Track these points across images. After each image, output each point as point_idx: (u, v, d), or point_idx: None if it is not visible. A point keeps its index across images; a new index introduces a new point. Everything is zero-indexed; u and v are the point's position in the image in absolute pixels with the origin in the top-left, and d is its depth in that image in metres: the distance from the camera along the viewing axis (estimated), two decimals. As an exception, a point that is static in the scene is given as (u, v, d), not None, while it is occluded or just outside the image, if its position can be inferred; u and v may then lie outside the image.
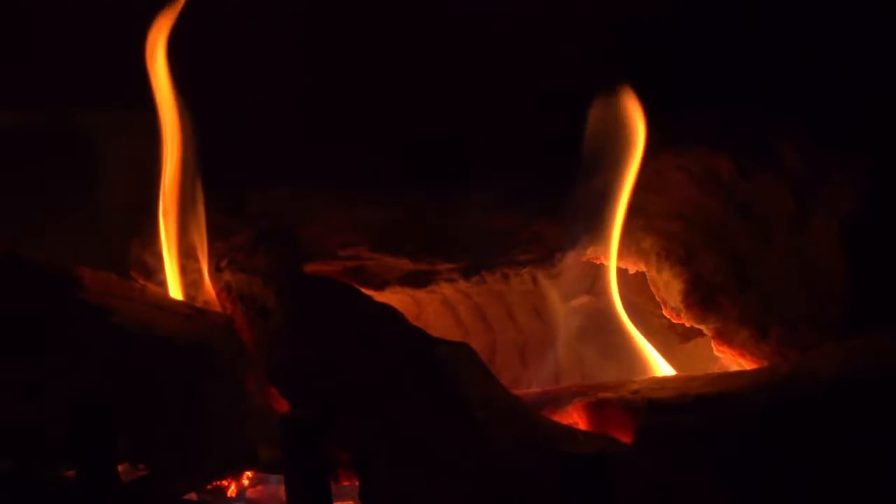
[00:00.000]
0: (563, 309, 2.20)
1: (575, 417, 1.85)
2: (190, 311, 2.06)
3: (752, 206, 2.08)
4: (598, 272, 2.20)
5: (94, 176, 2.64)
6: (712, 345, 2.11)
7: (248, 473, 2.09)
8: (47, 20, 2.50)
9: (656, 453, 1.69)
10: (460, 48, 2.21)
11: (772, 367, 1.88)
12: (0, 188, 2.52)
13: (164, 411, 1.88)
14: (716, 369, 2.12)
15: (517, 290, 2.25)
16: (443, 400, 1.73)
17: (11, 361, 1.94)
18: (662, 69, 2.08)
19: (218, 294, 2.14)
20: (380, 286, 2.20)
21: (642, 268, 2.18)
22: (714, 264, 2.10)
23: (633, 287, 2.23)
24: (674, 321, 2.16)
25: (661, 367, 2.08)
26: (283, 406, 1.95)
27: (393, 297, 2.17)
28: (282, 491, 1.76)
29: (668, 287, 2.13)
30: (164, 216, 2.18)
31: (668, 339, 2.23)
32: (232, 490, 2.09)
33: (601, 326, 2.17)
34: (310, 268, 2.17)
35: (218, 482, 2.05)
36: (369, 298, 1.93)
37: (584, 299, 2.24)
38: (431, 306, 2.27)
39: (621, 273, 2.18)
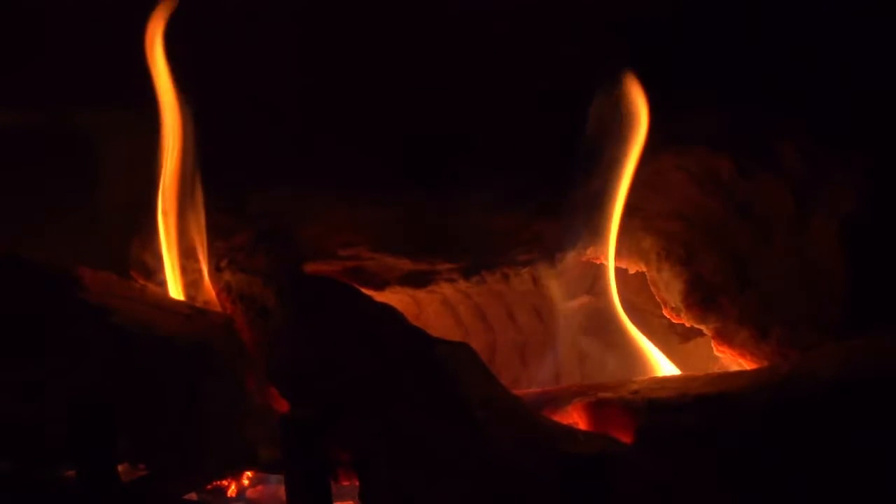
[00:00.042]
0: (564, 309, 2.20)
1: (575, 417, 1.85)
2: (190, 311, 2.06)
3: (752, 206, 2.08)
4: (598, 272, 2.20)
5: (94, 176, 2.64)
6: (712, 345, 2.11)
7: (248, 473, 2.09)
8: (47, 20, 2.50)
9: (656, 453, 1.69)
10: (460, 48, 2.21)
11: (772, 367, 1.88)
12: (0, 188, 2.52)
13: (164, 411, 1.88)
14: (716, 369, 2.12)
15: (517, 290, 2.25)
16: (443, 400, 1.73)
17: (11, 361, 1.94)
18: (662, 69, 2.08)
19: (218, 294, 2.14)
20: (380, 286, 2.21)
21: (642, 268, 2.18)
22: (714, 264, 2.10)
23: (633, 287, 2.24)
24: (674, 321, 2.16)
25: (662, 365, 2.08)
26: (283, 406, 1.95)
27: (393, 297, 2.17)
28: (282, 491, 1.77)
29: (668, 287, 2.13)
30: (163, 216, 2.18)
31: (668, 339, 2.23)
32: (232, 490, 2.09)
33: (601, 326, 2.17)
34: (310, 268, 2.18)
35: (218, 482, 2.05)
36: (369, 298, 1.93)
37: (584, 299, 2.24)
38: (431, 306, 2.27)
39: (621, 273, 2.18)
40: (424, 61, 2.21)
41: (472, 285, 2.22)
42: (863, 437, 1.61)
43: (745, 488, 1.64)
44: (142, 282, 2.22)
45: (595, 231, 2.11)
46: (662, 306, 2.15)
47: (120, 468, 1.85)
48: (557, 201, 2.10)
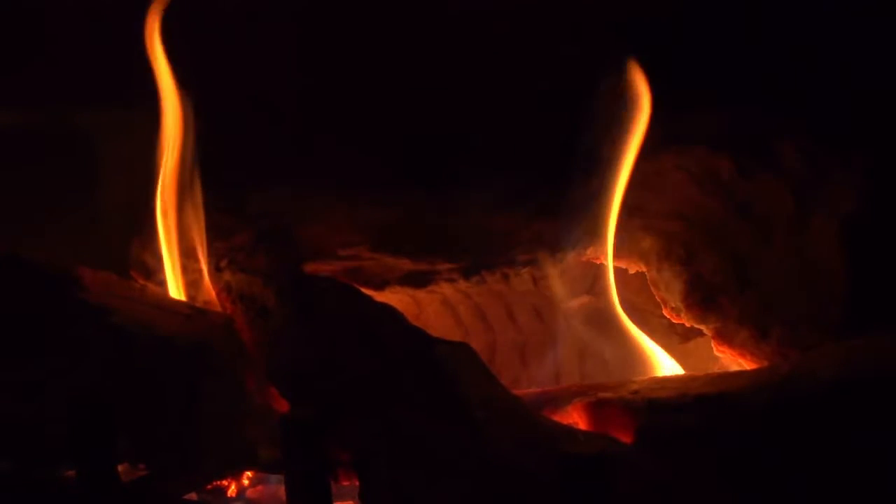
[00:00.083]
0: (564, 309, 2.20)
1: (575, 417, 1.85)
2: (190, 311, 2.06)
3: (752, 206, 2.08)
4: (598, 272, 2.20)
5: (94, 176, 2.64)
6: (712, 345, 2.11)
7: (248, 473, 2.09)
8: (47, 20, 2.50)
9: (656, 453, 1.69)
10: (460, 48, 2.21)
11: (772, 367, 1.88)
12: (0, 188, 2.52)
13: (164, 411, 1.88)
14: (716, 369, 2.12)
15: (517, 290, 2.25)
16: (443, 400, 1.73)
17: (11, 361, 1.94)
18: (662, 69, 2.08)
19: (218, 294, 2.14)
20: (380, 286, 2.21)
21: (642, 268, 2.18)
22: (714, 264, 2.10)
23: (633, 287, 2.24)
24: (674, 321, 2.16)
25: (663, 363, 2.08)
26: (283, 406, 1.95)
27: (393, 297, 2.17)
28: (282, 491, 1.76)
29: (668, 287, 2.13)
30: (163, 216, 2.18)
31: (668, 339, 2.23)
32: (232, 490, 2.09)
33: (601, 326, 2.17)
34: (310, 268, 2.17)
35: (218, 482, 2.05)
36: (369, 298, 1.93)
37: (584, 299, 2.24)
38: (431, 306, 2.27)
39: (621, 273, 2.18)
40: (424, 61, 2.21)
41: (472, 285, 2.22)
42: (863, 437, 1.61)
43: (745, 488, 1.64)
44: (142, 282, 2.22)
45: (595, 231, 2.11)
46: (662, 306, 2.15)
47: (120, 468, 1.85)
48: (557, 201, 2.10)
